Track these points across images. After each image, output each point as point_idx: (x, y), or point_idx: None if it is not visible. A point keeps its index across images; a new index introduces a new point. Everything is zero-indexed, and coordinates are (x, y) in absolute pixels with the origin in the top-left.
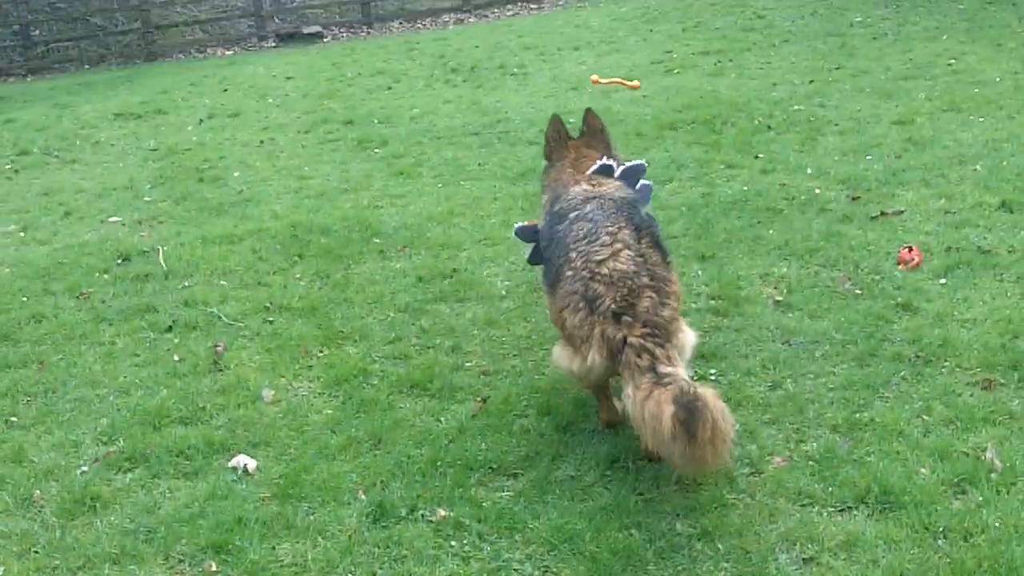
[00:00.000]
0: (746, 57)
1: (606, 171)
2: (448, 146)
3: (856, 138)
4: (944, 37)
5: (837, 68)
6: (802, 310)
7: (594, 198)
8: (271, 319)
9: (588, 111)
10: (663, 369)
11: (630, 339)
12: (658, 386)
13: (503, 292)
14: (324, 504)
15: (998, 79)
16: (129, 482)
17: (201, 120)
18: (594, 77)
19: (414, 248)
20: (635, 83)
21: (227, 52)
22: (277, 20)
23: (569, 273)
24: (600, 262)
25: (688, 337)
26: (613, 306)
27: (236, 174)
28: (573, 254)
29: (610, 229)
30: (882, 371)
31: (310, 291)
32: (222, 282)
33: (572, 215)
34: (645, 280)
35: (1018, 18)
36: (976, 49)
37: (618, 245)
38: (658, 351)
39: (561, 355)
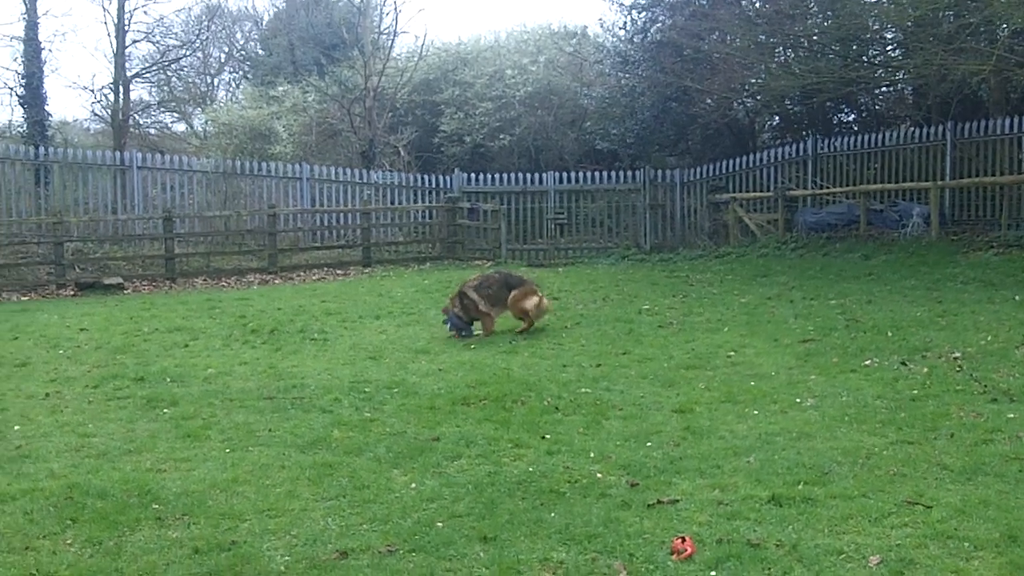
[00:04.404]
0: (539, 337)
1: None
2: (240, 409)
3: (638, 424)
4: (725, 329)
5: (624, 353)
6: None
7: None
8: None
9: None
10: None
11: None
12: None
13: (282, 568)
14: None
15: (773, 373)
16: None
17: None
18: None
19: (194, 517)
20: None
21: (23, 298)
22: (78, 269)
23: None
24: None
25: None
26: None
27: (16, 428)
28: None
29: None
30: None
31: (80, 559)
32: None
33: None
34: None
35: (795, 315)
36: (754, 342)
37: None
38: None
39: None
